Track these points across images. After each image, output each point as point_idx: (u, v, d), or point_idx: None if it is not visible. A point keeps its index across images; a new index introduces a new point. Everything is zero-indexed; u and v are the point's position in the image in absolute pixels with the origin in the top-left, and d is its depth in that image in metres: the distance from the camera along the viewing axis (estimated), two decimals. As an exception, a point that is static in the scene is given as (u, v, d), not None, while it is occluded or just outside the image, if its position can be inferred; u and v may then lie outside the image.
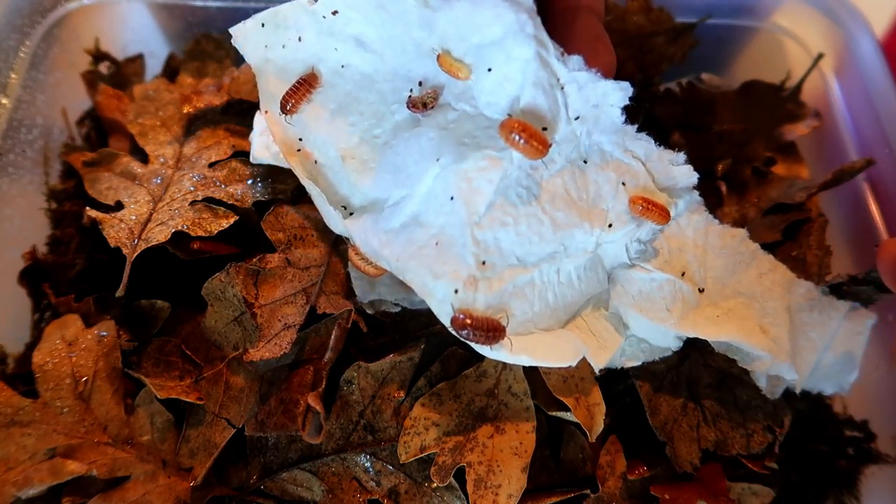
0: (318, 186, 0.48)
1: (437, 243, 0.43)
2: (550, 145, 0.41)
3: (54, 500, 0.47)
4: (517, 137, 0.40)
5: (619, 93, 0.42)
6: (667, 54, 0.70)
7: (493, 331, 0.41)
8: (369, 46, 0.46)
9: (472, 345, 0.42)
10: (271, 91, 0.49)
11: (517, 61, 0.41)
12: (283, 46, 0.48)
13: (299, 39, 0.47)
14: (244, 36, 0.49)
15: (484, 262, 0.42)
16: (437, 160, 0.43)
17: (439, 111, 0.44)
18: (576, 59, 0.41)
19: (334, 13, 0.45)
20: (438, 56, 0.43)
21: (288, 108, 0.47)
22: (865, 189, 0.62)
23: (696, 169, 0.46)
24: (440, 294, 0.42)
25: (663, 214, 0.45)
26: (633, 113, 0.44)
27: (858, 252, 0.62)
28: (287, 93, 0.47)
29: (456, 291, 0.41)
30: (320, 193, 0.47)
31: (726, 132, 0.66)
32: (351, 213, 0.48)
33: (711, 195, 0.64)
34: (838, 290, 0.50)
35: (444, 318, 0.42)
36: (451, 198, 0.42)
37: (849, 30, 0.68)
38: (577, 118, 0.43)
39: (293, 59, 0.48)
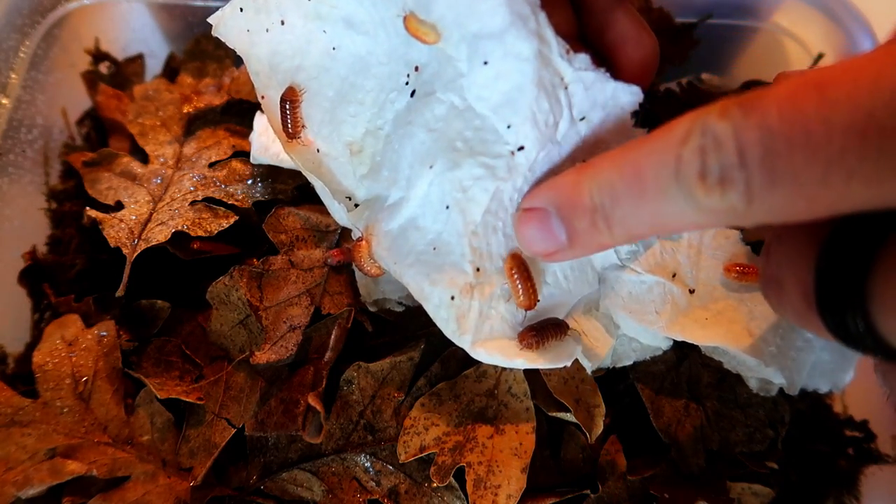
0: (320, 179, 0.47)
1: (434, 248, 0.42)
2: (538, 301, 0.42)
3: (54, 500, 0.47)
4: (516, 277, 0.41)
5: (629, 96, 0.41)
6: (667, 54, 0.70)
7: (556, 326, 0.42)
8: (360, 28, 0.44)
9: (522, 362, 0.42)
10: (265, 74, 0.47)
11: (516, 58, 0.39)
12: (267, 30, 0.46)
13: (282, 23, 0.45)
14: (224, 23, 0.47)
15: (478, 269, 0.42)
16: (431, 167, 0.42)
17: (426, 105, 0.43)
18: (582, 58, 0.40)
19: None
20: (405, 18, 0.40)
21: (290, 132, 0.46)
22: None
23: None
24: (436, 300, 0.42)
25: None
26: (634, 113, 0.43)
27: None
28: (281, 121, 0.46)
29: (452, 298, 0.41)
30: (323, 186, 0.47)
31: (726, 132, 0.66)
32: (356, 205, 0.47)
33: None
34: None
35: (441, 323, 0.42)
36: (447, 207, 0.42)
37: (849, 30, 0.68)
38: (582, 119, 0.41)
39: (280, 42, 0.46)
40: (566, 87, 0.40)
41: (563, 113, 0.41)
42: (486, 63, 0.39)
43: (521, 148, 0.40)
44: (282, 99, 0.46)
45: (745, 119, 0.25)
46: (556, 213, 0.35)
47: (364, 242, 0.45)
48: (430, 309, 0.42)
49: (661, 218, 0.30)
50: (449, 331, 0.42)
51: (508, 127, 0.40)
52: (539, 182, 0.42)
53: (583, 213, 0.33)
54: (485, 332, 0.42)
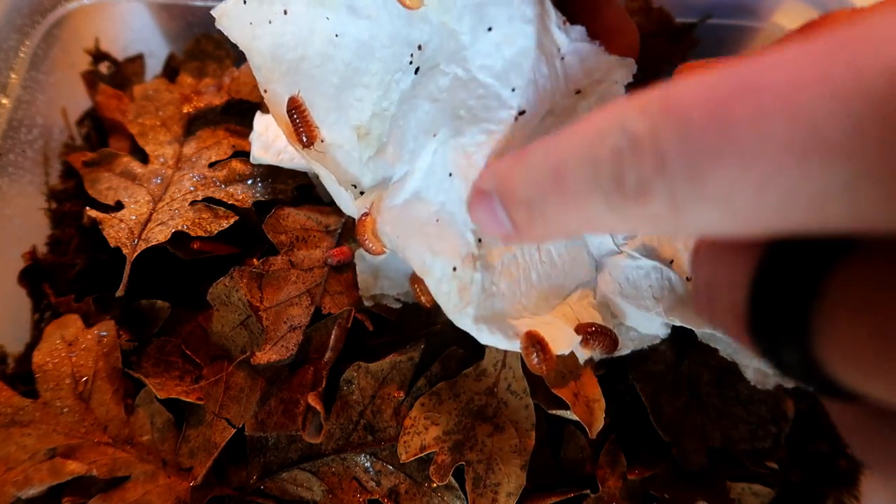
0: (326, 167, 0.47)
1: (437, 220, 0.42)
2: (555, 367, 0.42)
3: (54, 500, 0.47)
4: (535, 358, 0.42)
5: (623, 69, 0.41)
6: (667, 54, 0.70)
7: (610, 336, 0.45)
8: (363, 12, 0.44)
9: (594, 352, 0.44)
10: (267, 68, 0.47)
11: (520, 22, 0.38)
12: (270, 22, 0.46)
13: (285, 13, 0.45)
14: (226, 16, 0.47)
15: (480, 240, 0.41)
16: (434, 135, 0.42)
17: (430, 77, 0.43)
18: (578, 29, 0.40)
19: None
20: None
21: (306, 141, 0.46)
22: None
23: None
24: (438, 272, 0.41)
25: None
26: (628, 86, 0.43)
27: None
28: (295, 131, 0.46)
29: (454, 269, 0.41)
30: (329, 174, 0.47)
31: (726, 132, 0.66)
32: (362, 193, 0.47)
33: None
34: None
35: (442, 298, 0.41)
36: (450, 174, 0.41)
37: (849, 30, 0.68)
38: (577, 92, 0.41)
39: (283, 33, 0.46)
40: (563, 58, 0.40)
41: (559, 83, 0.41)
42: (490, 29, 0.39)
43: (522, 112, 0.40)
44: (288, 110, 0.46)
45: (665, 117, 0.21)
46: (499, 201, 0.32)
47: (369, 218, 0.45)
48: (431, 284, 0.42)
49: (589, 221, 0.26)
50: (451, 305, 0.41)
51: (513, 90, 0.39)
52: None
53: (518, 206, 0.30)
54: (487, 308, 0.42)
